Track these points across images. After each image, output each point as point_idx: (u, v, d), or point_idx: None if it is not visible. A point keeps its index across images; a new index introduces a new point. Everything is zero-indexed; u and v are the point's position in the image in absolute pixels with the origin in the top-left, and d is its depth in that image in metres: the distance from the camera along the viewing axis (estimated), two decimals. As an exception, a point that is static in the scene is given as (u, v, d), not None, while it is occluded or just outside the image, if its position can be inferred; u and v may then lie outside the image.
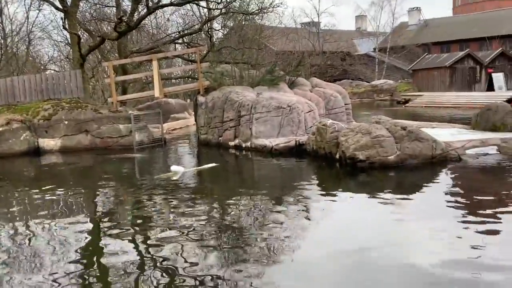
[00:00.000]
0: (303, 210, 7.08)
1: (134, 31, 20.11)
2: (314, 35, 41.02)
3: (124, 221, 6.96)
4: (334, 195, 8.03)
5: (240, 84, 14.93)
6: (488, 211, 6.50)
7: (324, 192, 8.27)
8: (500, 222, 6.05)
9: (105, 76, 21.81)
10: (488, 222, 6.07)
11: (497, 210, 6.55)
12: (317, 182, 9.29)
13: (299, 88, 15.44)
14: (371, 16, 50.70)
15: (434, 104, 27.54)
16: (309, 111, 13.24)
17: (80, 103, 15.04)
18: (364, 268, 4.86)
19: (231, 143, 13.48)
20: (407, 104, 29.44)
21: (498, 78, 30.57)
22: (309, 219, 6.70)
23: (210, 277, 4.69)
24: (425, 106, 27.37)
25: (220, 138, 13.91)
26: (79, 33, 17.12)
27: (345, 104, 15.95)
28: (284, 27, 35.06)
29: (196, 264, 5.06)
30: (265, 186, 9.05)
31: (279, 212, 6.94)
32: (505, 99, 24.00)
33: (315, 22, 44.87)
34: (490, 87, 30.27)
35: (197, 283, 4.60)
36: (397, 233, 5.92)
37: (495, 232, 5.69)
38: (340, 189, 8.51)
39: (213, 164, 10.84)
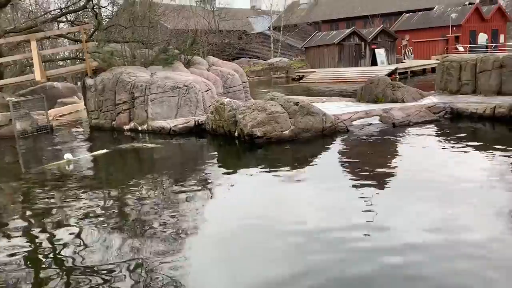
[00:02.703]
0: (205, 189, 7.06)
1: (7, 7, 17.93)
2: (209, 13, 40.51)
3: (15, 217, 6.30)
4: (235, 172, 8.11)
5: (132, 64, 14.22)
6: (376, 176, 7.09)
7: (225, 170, 8.34)
8: (387, 187, 6.62)
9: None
10: (373, 186, 6.61)
11: (383, 173, 7.18)
12: (217, 160, 9.32)
13: (196, 67, 15.21)
14: (264, -6, 51.48)
15: (325, 79, 29.12)
16: (207, 90, 13.12)
17: None
18: (267, 238, 5.02)
19: (126, 127, 12.87)
20: (301, 81, 30.74)
21: (380, 53, 33.26)
22: (212, 198, 6.71)
23: (112, 266, 4.48)
24: (317, 82, 28.83)
25: (113, 122, 13.19)
26: None
27: (243, 82, 16.12)
28: (178, 4, 34.04)
29: (93, 252, 4.82)
30: (166, 169, 8.82)
31: (181, 193, 6.86)
32: (386, 73, 26.26)
33: (209, -1, 44.31)
34: (374, 62, 32.84)
35: (100, 273, 4.35)
36: (295, 203, 6.18)
37: (375, 196, 6.22)
38: (240, 166, 8.65)
39: (106, 150, 10.28)
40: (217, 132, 10.94)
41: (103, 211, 6.24)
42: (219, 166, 8.78)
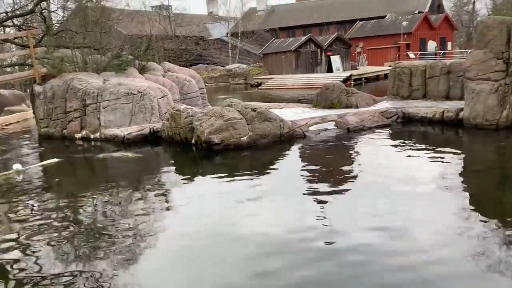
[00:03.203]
0: (162, 198, 6.87)
1: None
2: (165, 18, 40.02)
3: None
4: (192, 180, 7.96)
5: (83, 71, 13.72)
6: (332, 180, 7.15)
7: (182, 178, 8.17)
8: (344, 190, 6.69)
9: None
10: (330, 190, 6.66)
11: (340, 177, 7.26)
12: (174, 168, 9.11)
13: (151, 73, 14.89)
14: (221, 1, 51.56)
15: (283, 86, 29.44)
16: (162, 97, 12.86)
17: None
18: (224, 245, 4.92)
19: (78, 135, 12.37)
20: (260, 87, 30.90)
21: (336, 60, 34.06)
22: (169, 206, 6.52)
23: (67, 278, 4.23)
24: (276, 88, 29.08)
25: (64, 130, 12.65)
26: None
27: (200, 89, 15.93)
28: (133, 9, 33.38)
29: (50, 263, 4.56)
30: (120, 178, 8.49)
31: (137, 202, 6.67)
32: (342, 79, 26.89)
33: (165, 5, 43.81)
34: (330, 69, 33.56)
35: (53, 285, 4.10)
36: (252, 209, 6.11)
37: (332, 200, 6.27)
38: (198, 174, 8.50)
39: (56, 160, 9.83)
40: (174, 140, 10.73)
41: (55, 222, 5.92)
42: (176, 174, 8.58)
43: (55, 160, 9.83)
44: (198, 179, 7.99)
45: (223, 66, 39.85)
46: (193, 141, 10.14)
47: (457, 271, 4.17)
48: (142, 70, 14.70)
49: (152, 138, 11.42)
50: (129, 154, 10.05)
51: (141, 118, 12.06)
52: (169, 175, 8.46)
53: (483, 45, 10.30)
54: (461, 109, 10.85)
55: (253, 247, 4.88)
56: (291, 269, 4.33)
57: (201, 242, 5.15)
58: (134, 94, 12.05)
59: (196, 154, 9.86)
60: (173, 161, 10.04)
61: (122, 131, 11.54)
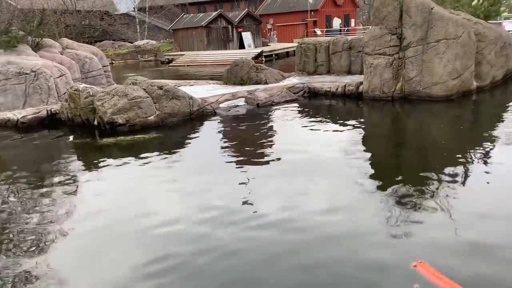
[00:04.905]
0: (65, 186, 6.37)
1: None
2: (64, -10, 36.86)
3: None
4: (96, 165, 7.46)
5: (-35, 48, 12.18)
6: (244, 156, 7.19)
7: (85, 163, 7.64)
8: (255, 166, 6.75)
9: None
10: (241, 166, 6.69)
11: (251, 153, 7.32)
12: (76, 154, 8.47)
13: (47, 51, 13.66)
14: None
15: (195, 62, 28.87)
16: (60, 76, 11.91)
17: None
18: (135, 231, 4.71)
19: (-38, 121, 11.04)
20: (170, 64, 30.00)
21: (247, 36, 34.08)
22: (73, 194, 6.08)
23: None
24: (187, 65, 28.43)
25: None
26: None
27: (103, 66, 15.00)
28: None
29: None
30: (18, 169, 7.67)
31: (39, 191, 6.16)
32: (253, 56, 27.05)
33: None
34: (242, 45, 33.53)
35: None
36: (162, 192, 5.93)
37: (243, 176, 6.32)
38: (102, 157, 7.98)
39: None
40: (74, 122, 10.03)
41: None
42: (79, 160, 7.97)
43: None
44: (103, 163, 7.53)
45: (131, 43, 37.95)
46: (95, 122, 9.56)
47: (356, 227, 4.44)
48: (37, 48, 13.43)
49: (50, 121, 10.58)
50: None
51: (36, 99, 11.08)
52: (73, 161, 7.82)
53: (379, 21, 10.91)
54: (361, 83, 11.50)
55: (161, 233, 4.76)
56: (198, 254, 4.29)
57: (109, 230, 4.91)
58: (26, 74, 11.00)
59: (100, 136, 9.30)
60: (74, 145, 9.37)
61: (15, 114, 10.52)
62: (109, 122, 9.14)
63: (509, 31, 18.09)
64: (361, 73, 12.46)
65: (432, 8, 10.39)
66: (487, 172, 5.85)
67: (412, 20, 10.41)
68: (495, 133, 7.75)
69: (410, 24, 10.45)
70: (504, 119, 8.87)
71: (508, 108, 9.66)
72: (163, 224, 4.93)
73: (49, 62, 12.11)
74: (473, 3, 14.42)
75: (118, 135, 8.97)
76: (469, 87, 10.77)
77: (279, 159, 7.02)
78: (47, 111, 10.63)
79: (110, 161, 7.57)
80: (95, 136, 9.36)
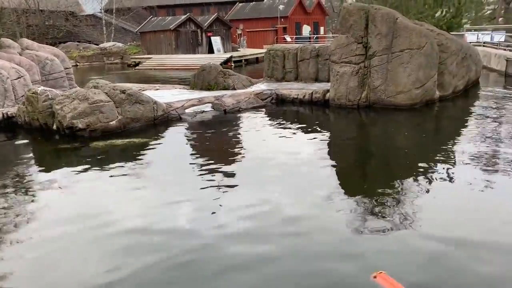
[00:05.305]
0: (23, 194, 6.01)
1: None
2: (26, -11, 35.61)
3: None
4: (55, 171, 7.12)
5: None
6: (214, 163, 7.01)
7: (43, 169, 7.30)
8: (219, 172, 6.59)
9: None
10: (204, 173, 6.53)
11: (215, 159, 7.15)
12: (34, 159, 8.07)
13: (4, 51, 13.06)
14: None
15: (162, 66, 28.44)
16: (18, 78, 11.40)
17: None
18: (90, 238, 4.47)
19: None
20: (137, 67, 29.44)
21: (216, 41, 33.91)
22: (32, 202, 5.75)
23: None
24: (154, 69, 27.97)
25: None
26: None
27: (65, 68, 14.47)
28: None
29: None
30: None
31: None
32: (222, 61, 26.92)
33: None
34: (211, 50, 33.32)
35: None
36: (122, 199, 5.69)
37: (219, 183, 6.15)
38: (61, 163, 7.64)
39: None
40: (32, 126, 9.60)
41: None
42: (37, 166, 7.57)
43: None
44: (62, 169, 7.18)
45: (97, 45, 37.03)
46: (54, 127, 9.16)
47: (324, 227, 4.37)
48: (-7, 47, 12.82)
49: (6, 124, 10.09)
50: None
51: (-9, 102, 10.53)
52: (31, 167, 7.41)
53: (346, 30, 11.01)
54: (328, 91, 11.56)
55: (114, 248, 4.53)
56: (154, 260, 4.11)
57: (66, 237, 4.66)
58: (-20, 74, 10.44)
59: (59, 141, 8.91)
60: (31, 150, 8.93)
61: (-33, 118, 9.96)
62: (69, 126, 8.77)
63: (470, 42, 18.77)
64: (328, 80, 12.53)
65: (397, 19, 10.58)
66: (448, 180, 5.93)
67: (378, 29, 10.56)
68: (456, 141, 7.91)
69: (375, 34, 10.60)
70: (464, 127, 9.09)
71: (469, 117, 9.93)
72: (121, 233, 4.72)
73: (6, 63, 11.56)
74: (436, 14, 14.87)
75: (79, 140, 8.62)
76: (432, 96, 11.01)
77: (244, 166, 6.90)
78: (2, 114, 10.14)
79: (68, 167, 7.23)
80: (53, 140, 8.96)
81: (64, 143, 8.74)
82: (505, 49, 19.48)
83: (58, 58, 14.17)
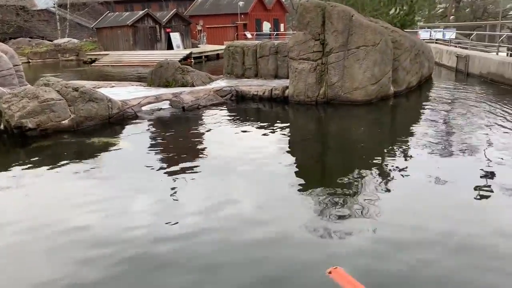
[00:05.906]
0: None
1: None
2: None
3: None
4: (1, 174, 6.77)
5: None
6: (172, 161, 6.86)
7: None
8: (177, 172, 6.46)
9: None
10: (173, 172, 6.38)
11: (180, 158, 7.01)
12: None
13: None
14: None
15: (119, 63, 27.67)
16: (-39, 75, 10.73)
17: None
18: (38, 241, 4.24)
19: None
20: (93, 64, 28.52)
21: (176, 37, 33.37)
22: None
23: None
24: (111, 65, 27.20)
25: None
26: None
27: (15, 66, 13.74)
28: None
29: None
30: None
31: None
32: (182, 57, 26.54)
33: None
34: (171, 46, 32.76)
35: None
36: (71, 201, 5.46)
37: (178, 181, 6.02)
38: (9, 166, 7.22)
39: None
40: (-23, 126, 9.06)
41: None
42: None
43: None
44: (11, 172, 6.81)
45: (51, 41, 35.53)
46: (1, 127, 8.71)
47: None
48: None
49: None
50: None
51: None
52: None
53: (303, 27, 11.09)
54: (287, 87, 11.62)
55: (67, 254, 4.34)
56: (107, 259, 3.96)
57: (15, 242, 4.40)
58: None
59: (7, 142, 8.49)
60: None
61: None
62: (17, 126, 8.36)
63: (423, 39, 19.42)
64: (287, 77, 12.60)
65: (352, 16, 10.76)
66: (403, 170, 6.09)
67: (334, 26, 10.70)
68: (410, 134, 8.16)
69: (332, 31, 10.73)
70: (418, 121, 9.38)
71: (422, 112, 10.26)
72: (75, 239, 4.51)
73: None
74: (391, 12, 15.25)
75: (28, 141, 8.23)
76: (387, 92, 11.30)
77: (204, 164, 6.80)
78: None
79: (16, 169, 6.88)
80: (2, 141, 8.51)
81: (12, 144, 8.33)
82: (455, 46, 20.32)
83: (7, 54, 13.44)
